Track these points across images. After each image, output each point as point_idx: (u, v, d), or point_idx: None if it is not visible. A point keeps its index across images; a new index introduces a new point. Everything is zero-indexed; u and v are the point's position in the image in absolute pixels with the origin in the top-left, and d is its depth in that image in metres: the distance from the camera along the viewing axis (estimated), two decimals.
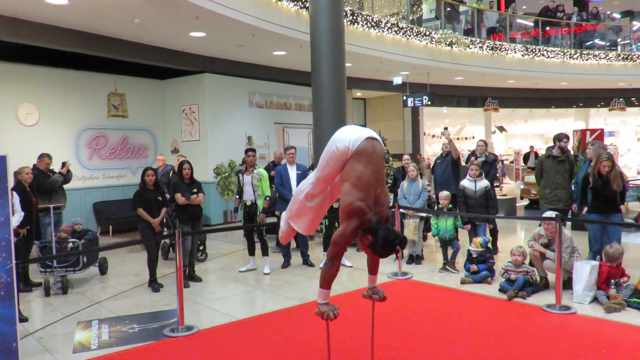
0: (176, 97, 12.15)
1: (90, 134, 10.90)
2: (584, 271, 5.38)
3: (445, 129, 8.99)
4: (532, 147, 19.68)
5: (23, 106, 9.81)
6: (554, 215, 5.60)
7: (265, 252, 7.21)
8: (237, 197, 7.24)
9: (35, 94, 10.01)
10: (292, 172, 7.44)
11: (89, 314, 5.51)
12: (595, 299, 5.38)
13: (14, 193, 5.40)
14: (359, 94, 16.56)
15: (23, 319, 5.25)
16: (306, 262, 7.52)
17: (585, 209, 6.35)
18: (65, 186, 8.03)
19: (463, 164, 9.44)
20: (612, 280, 5.44)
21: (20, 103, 9.78)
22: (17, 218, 5.30)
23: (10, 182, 4.13)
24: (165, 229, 6.95)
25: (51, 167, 7.75)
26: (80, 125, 10.74)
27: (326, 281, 3.02)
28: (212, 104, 11.66)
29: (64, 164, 7.94)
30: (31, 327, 5.09)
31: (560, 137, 7.28)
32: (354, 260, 7.50)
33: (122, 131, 11.49)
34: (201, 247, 8.10)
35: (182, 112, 12.00)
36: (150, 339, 4.72)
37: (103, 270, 7.28)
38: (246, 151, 7.24)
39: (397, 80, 14.33)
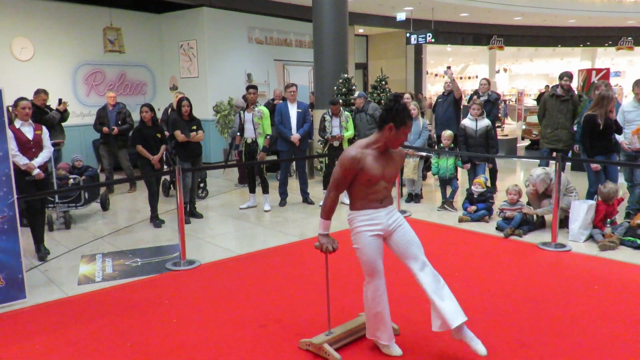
0: (174, 32, 11.84)
1: (87, 70, 10.72)
2: (581, 210, 5.43)
3: (448, 67, 8.83)
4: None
5: (17, 40, 9.58)
6: (546, 168, 5.57)
7: (265, 190, 7.25)
8: (238, 134, 7.21)
9: (29, 28, 9.75)
10: (293, 110, 7.36)
11: (92, 248, 5.62)
12: (590, 237, 5.47)
13: (44, 128, 5.36)
14: (361, 30, 16.14)
15: (45, 252, 5.35)
16: (306, 199, 7.59)
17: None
18: (64, 123, 7.98)
19: (465, 103, 9.33)
20: (608, 219, 5.51)
21: (14, 37, 9.56)
22: (46, 153, 5.30)
23: (6, 118, 4.10)
24: (165, 167, 6.96)
25: (48, 103, 7.66)
26: (76, 61, 10.53)
27: (324, 211, 3.07)
28: (211, 40, 11.38)
29: (60, 101, 7.84)
30: (36, 259, 5.20)
31: (561, 76, 7.13)
32: None
33: (120, 67, 11.28)
34: (202, 185, 8.15)
35: (180, 47, 11.74)
36: (154, 272, 4.83)
37: (105, 206, 7.36)
38: (247, 88, 7.14)
39: (401, 16, 13.93)
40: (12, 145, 4.91)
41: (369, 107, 8.02)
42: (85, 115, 10.67)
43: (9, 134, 4.87)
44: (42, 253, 5.25)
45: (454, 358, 3.12)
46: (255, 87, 7.14)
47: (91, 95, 10.79)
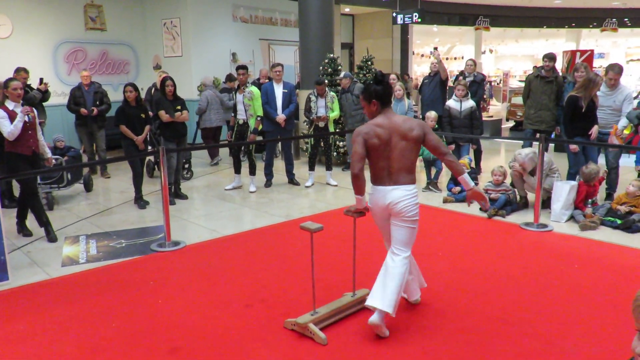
0: (157, 9, 11.60)
1: (67, 48, 10.49)
2: (563, 190, 5.50)
3: (435, 48, 8.80)
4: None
5: None
6: (528, 149, 5.61)
7: (252, 172, 7.23)
8: (233, 115, 7.20)
9: (7, 4, 9.48)
10: (278, 91, 7.30)
11: (76, 230, 5.58)
12: (572, 218, 5.55)
13: (34, 109, 5.23)
14: (347, 9, 15.98)
15: (27, 234, 5.31)
16: (292, 180, 7.58)
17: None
18: (45, 103, 7.82)
19: (451, 84, 9.33)
20: (589, 200, 5.59)
21: None
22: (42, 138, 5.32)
23: None
24: (149, 147, 6.89)
25: (28, 82, 7.49)
26: (56, 39, 10.30)
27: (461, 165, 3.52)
28: (195, 18, 11.18)
29: (41, 80, 7.68)
30: (19, 241, 5.15)
31: (542, 57, 7.14)
32: (339, 180, 7.58)
33: (101, 45, 11.06)
34: (186, 165, 8.10)
35: (163, 26, 11.53)
36: (138, 253, 4.81)
37: (88, 187, 7.28)
38: (237, 69, 7.07)
39: None
40: (7, 123, 4.81)
41: (354, 87, 7.99)
42: (66, 94, 10.40)
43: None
44: (51, 235, 5.18)
45: (439, 332, 3.17)
46: (245, 68, 7.06)
47: (72, 74, 10.57)
